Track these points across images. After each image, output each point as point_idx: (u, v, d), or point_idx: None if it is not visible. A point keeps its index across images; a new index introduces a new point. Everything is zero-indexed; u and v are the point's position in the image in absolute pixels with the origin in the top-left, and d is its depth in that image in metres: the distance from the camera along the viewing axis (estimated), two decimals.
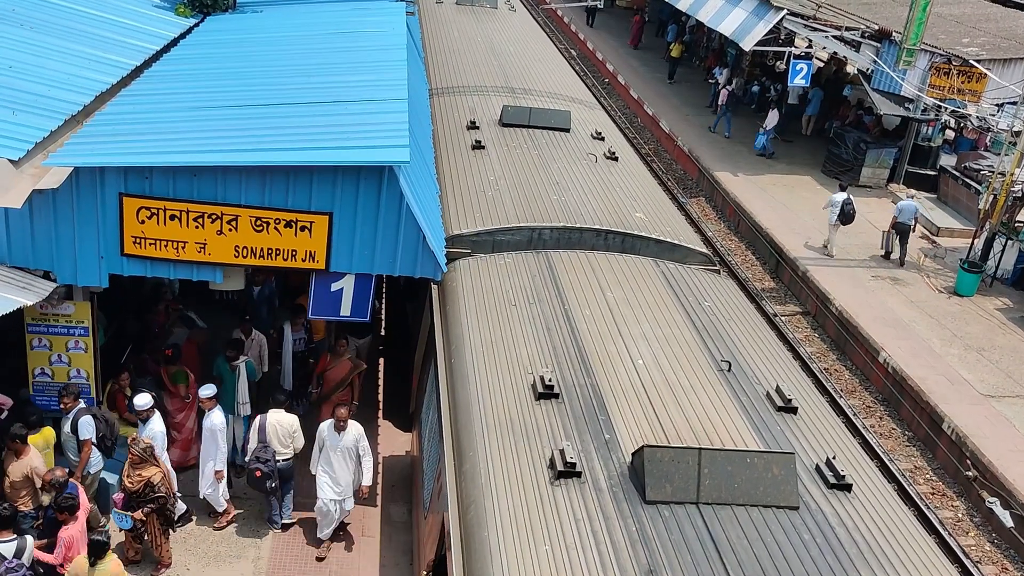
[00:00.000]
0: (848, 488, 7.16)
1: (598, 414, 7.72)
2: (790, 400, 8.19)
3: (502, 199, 11.65)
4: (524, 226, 10.97)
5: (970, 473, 14.30)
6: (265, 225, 9.40)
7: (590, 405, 7.85)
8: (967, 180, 23.36)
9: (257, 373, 11.75)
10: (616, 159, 13.84)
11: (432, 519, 8.63)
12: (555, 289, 9.78)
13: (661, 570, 6.07)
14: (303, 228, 9.47)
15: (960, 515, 14.01)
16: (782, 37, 25.92)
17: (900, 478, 14.27)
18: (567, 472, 6.87)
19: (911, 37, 21.94)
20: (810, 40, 25.56)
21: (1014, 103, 22.20)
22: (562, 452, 7.03)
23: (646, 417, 7.71)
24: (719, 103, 28.81)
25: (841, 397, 16.35)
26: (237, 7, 16.54)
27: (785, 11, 24.13)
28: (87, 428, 9.82)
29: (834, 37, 24.42)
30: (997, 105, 23.82)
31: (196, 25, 15.32)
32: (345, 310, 10.19)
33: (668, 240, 11.42)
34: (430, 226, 9.81)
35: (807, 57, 24.80)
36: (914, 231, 20.62)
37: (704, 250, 11.88)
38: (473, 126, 14.19)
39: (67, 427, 9.82)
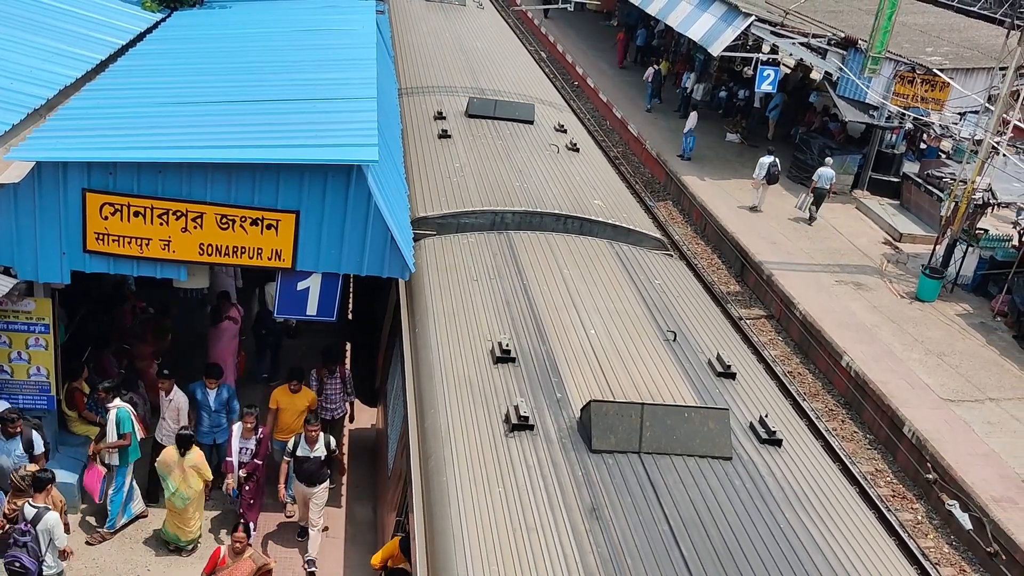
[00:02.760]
0: (778, 443, 7.76)
1: (551, 376, 8.26)
2: (729, 367, 8.78)
3: (467, 185, 12.05)
4: (487, 210, 11.44)
5: (930, 476, 14.52)
6: (231, 223, 9.31)
7: (544, 368, 8.37)
8: (929, 187, 23.73)
9: (136, 430, 10.31)
10: (577, 150, 14.27)
11: (395, 479, 9.05)
12: (515, 266, 10.26)
13: (603, 508, 6.62)
14: (269, 226, 9.39)
15: (920, 517, 14.22)
16: (750, 43, 26.17)
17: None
18: (520, 425, 7.42)
19: (876, 45, 22.25)
20: (777, 46, 25.80)
21: (976, 112, 22.58)
22: (516, 408, 7.57)
23: (595, 379, 8.26)
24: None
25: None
26: (204, 3, 16.37)
27: (753, 17, 24.35)
28: (39, 443, 9.70)
29: (801, 44, 24.68)
30: (959, 114, 24.23)
31: (163, 20, 15.14)
32: (311, 309, 10.12)
33: (624, 225, 11.93)
34: (398, 225, 9.77)
35: (774, 63, 25.04)
36: (829, 196, 23.15)
37: (658, 235, 12.49)
38: (440, 116, 14.47)
39: (19, 450, 9.57)
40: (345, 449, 11.92)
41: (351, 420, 12.10)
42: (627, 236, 11.78)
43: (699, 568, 6.18)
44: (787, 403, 8.99)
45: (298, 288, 9.94)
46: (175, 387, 10.65)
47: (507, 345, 8.51)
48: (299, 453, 10.28)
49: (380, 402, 12.24)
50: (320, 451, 10.27)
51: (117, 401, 10.15)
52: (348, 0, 17.17)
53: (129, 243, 9.26)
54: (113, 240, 9.21)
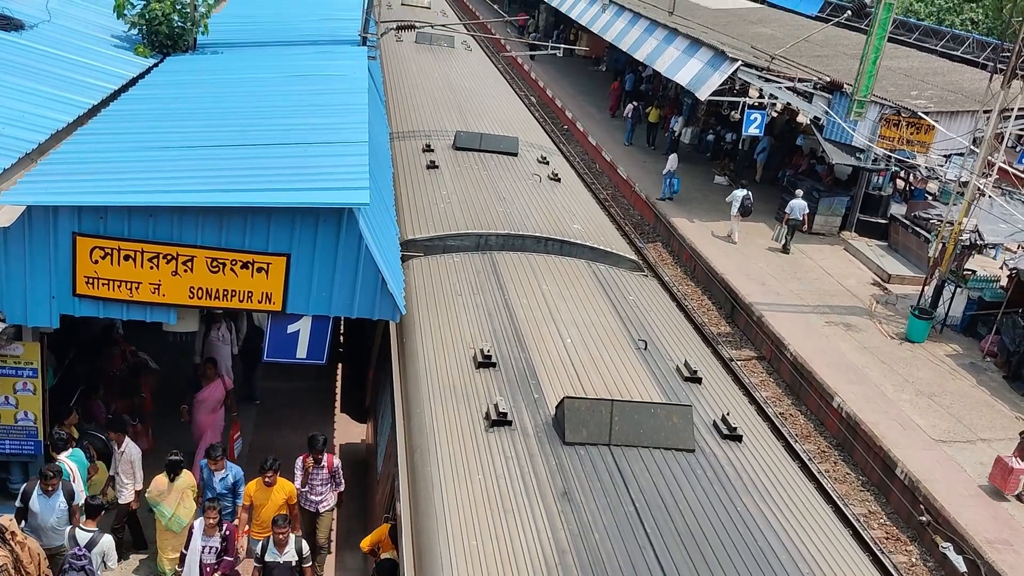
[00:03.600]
0: (739, 439, 8.37)
1: (529, 379, 8.81)
2: (695, 372, 9.40)
3: (453, 210, 12.65)
4: (472, 232, 12.05)
5: (923, 518, 14.44)
6: (221, 266, 9.31)
7: (522, 372, 8.94)
8: (917, 229, 23.91)
9: (85, 479, 10.13)
10: (559, 180, 14.96)
11: (384, 480, 9.47)
12: (497, 283, 10.82)
13: (574, 492, 7.17)
14: (260, 269, 9.39)
15: (914, 559, 14.12)
16: (737, 87, 26.47)
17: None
18: (499, 421, 7.99)
19: (862, 89, 22.54)
20: (763, 90, 26.11)
21: (961, 154, 22.84)
22: (496, 406, 8.14)
23: (570, 381, 8.81)
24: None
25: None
26: (197, 48, 16.51)
27: (740, 62, 24.66)
28: (79, 493, 9.73)
29: (787, 88, 24.99)
30: (945, 156, 24.50)
31: (155, 65, 15.26)
32: (301, 352, 10.09)
33: (601, 247, 12.54)
34: (389, 267, 9.78)
35: (761, 107, 25.34)
36: (802, 227, 24.17)
37: (633, 257, 13.12)
38: (428, 148, 15.11)
39: (62, 504, 9.42)
40: (333, 543, 11.17)
41: (339, 506, 11.05)
42: (604, 257, 12.37)
43: (661, 544, 6.74)
44: (750, 406, 9.67)
45: (288, 331, 9.91)
46: (127, 439, 10.43)
47: (488, 352, 9.08)
48: (267, 558, 9.29)
49: (370, 418, 12.47)
50: (291, 555, 9.30)
51: (68, 452, 10.01)
52: (341, 47, 17.37)
53: (119, 287, 9.23)
54: (103, 284, 9.19)
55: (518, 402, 8.38)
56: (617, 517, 6.94)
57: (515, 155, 15.43)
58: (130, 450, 10.41)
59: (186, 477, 10.13)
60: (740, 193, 24.11)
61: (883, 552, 13.88)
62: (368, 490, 11.60)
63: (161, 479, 10.06)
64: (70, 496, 9.44)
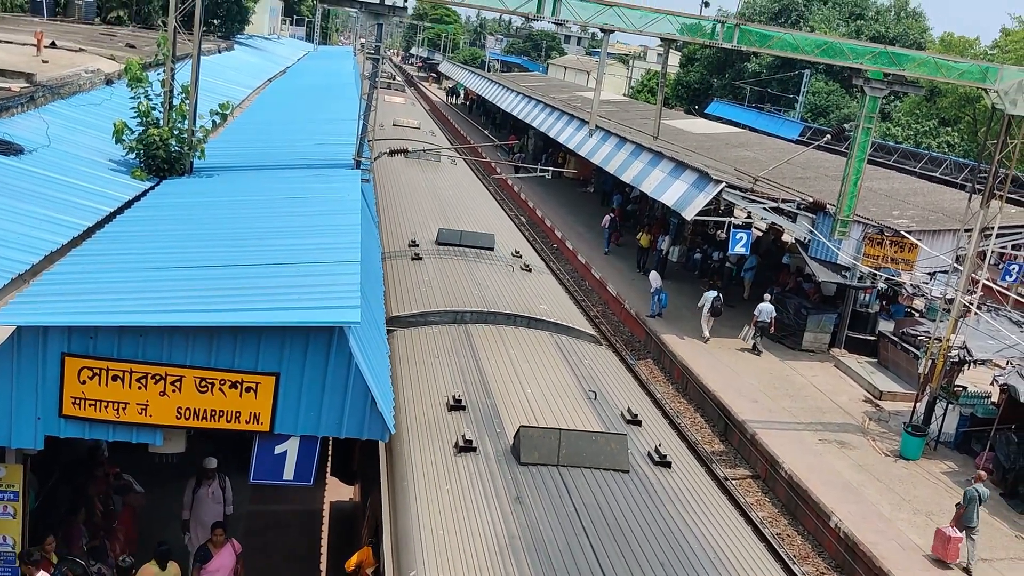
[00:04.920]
0: (668, 465, 9.89)
1: (492, 418, 10.30)
2: (636, 415, 10.96)
3: (434, 293, 14.27)
4: (449, 310, 13.59)
5: None
6: (210, 386, 9.24)
7: (488, 414, 10.39)
8: (906, 345, 24.03)
9: None
10: (530, 270, 16.83)
11: (368, 510, 10.71)
12: (470, 348, 12.30)
13: (525, 498, 8.68)
14: (248, 389, 9.32)
15: None
16: (722, 208, 27.02)
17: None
18: (465, 448, 9.48)
19: (844, 209, 23.02)
20: (748, 211, 26.67)
21: (945, 272, 23.18)
22: (463, 436, 9.63)
23: (527, 419, 10.26)
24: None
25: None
26: (194, 172, 16.87)
27: (724, 184, 25.24)
28: None
29: (771, 208, 25.52)
30: (929, 274, 24.86)
31: (152, 188, 15.54)
32: (288, 474, 9.90)
33: (563, 323, 14.11)
34: (379, 386, 9.73)
35: (746, 226, 25.81)
36: (771, 328, 25.40)
37: (592, 332, 14.74)
38: (414, 244, 16.85)
39: None
40: None
41: None
42: (566, 331, 13.87)
43: (596, 539, 8.15)
44: (681, 442, 11.37)
45: (275, 452, 9.76)
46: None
47: (459, 397, 10.55)
48: None
49: (357, 481, 13.43)
50: None
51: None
52: (335, 170, 17.76)
53: (106, 407, 9.14)
54: (90, 404, 9.10)
55: (482, 434, 9.84)
56: (560, 518, 8.42)
57: (491, 249, 17.23)
58: None
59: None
60: (711, 295, 25.61)
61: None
62: (354, 540, 12.38)
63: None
64: None
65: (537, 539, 8.00)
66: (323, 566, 12.83)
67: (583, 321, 15.27)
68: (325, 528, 13.66)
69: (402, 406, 10.40)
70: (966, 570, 15.62)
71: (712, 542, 8.48)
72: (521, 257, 17.44)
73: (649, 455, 9.94)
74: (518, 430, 9.52)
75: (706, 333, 25.90)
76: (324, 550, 13.12)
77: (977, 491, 15.96)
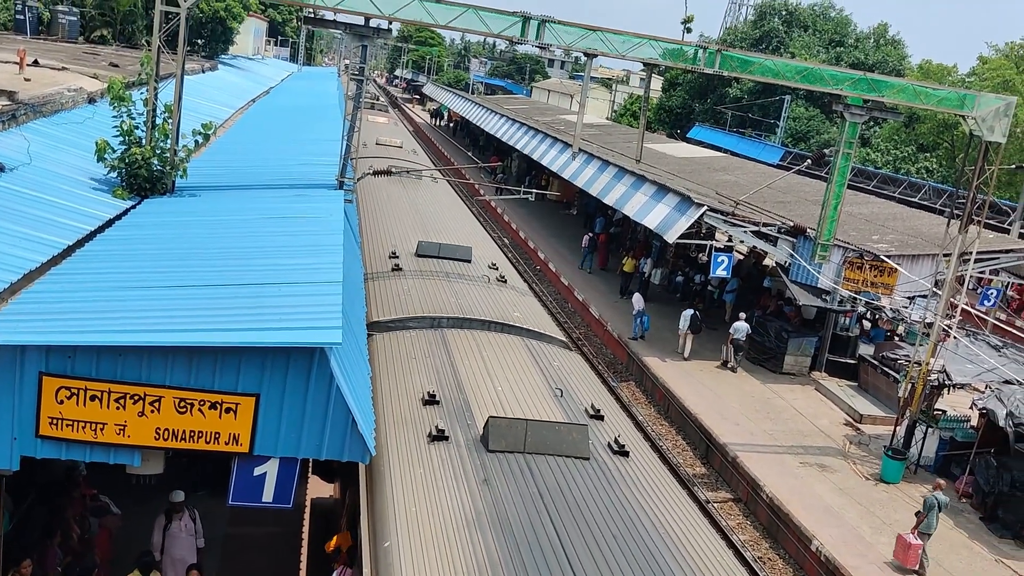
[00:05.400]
0: (626, 454, 10.76)
1: (465, 412, 11.05)
2: (599, 411, 11.87)
3: (412, 300, 15.09)
4: (427, 316, 14.35)
5: None
6: (189, 407, 9.17)
7: (460, 407, 11.18)
8: (886, 369, 24.15)
9: None
10: (505, 282, 17.59)
11: (348, 502, 11.33)
12: (445, 351, 13.07)
13: (492, 480, 9.47)
14: (228, 410, 9.25)
15: None
16: (703, 231, 27.15)
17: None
18: (438, 437, 10.26)
19: (824, 233, 23.23)
20: (729, 234, 26.82)
21: (924, 296, 23.36)
22: (436, 426, 10.42)
23: (497, 413, 10.93)
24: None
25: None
26: (176, 191, 16.79)
27: (705, 207, 25.39)
28: None
29: (752, 232, 25.67)
30: (909, 298, 25.04)
31: (133, 207, 15.46)
32: (267, 496, 9.81)
33: (535, 329, 14.98)
34: (360, 407, 9.68)
35: (728, 250, 25.93)
36: (744, 346, 26.03)
37: (562, 338, 15.72)
38: (394, 256, 17.62)
39: None
40: None
41: None
42: (538, 337, 14.71)
43: (557, 518, 8.93)
44: (639, 435, 12.36)
45: (255, 474, 9.67)
46: None
47: (433, 392, 11.37)
48: None
49: (337, 478, 13.89)
50: None
51: None
52: (318, 190, 17.74)
53: (83, 428, 9.04)
54: (67, 425, 9.00)
55: (454, 425, 10.64)
56: (524, 499, 9.18)
57: (469, 261, 18.01)
58: None
59: None
60: (688, 313, 26.43)
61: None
62: (334, 531, 12.89)
63: None
64: None
65: (503, 517, 8.78)
66: (303, 559, 13.09)
67: (554, 328, 16.29)
68: (306, 523, 13.87)
69: (380, 401, 11.18)
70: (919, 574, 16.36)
71: (664, 523, 9.29)
72: (497, 269, 18.27)
73: (609, 445, 10.80)
74: (487, 420, 10.35)
75: (686, 351, 26.35)
76: (305, 543, 13.43)
77: (936, 499, 16.63)
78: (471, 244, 19.40)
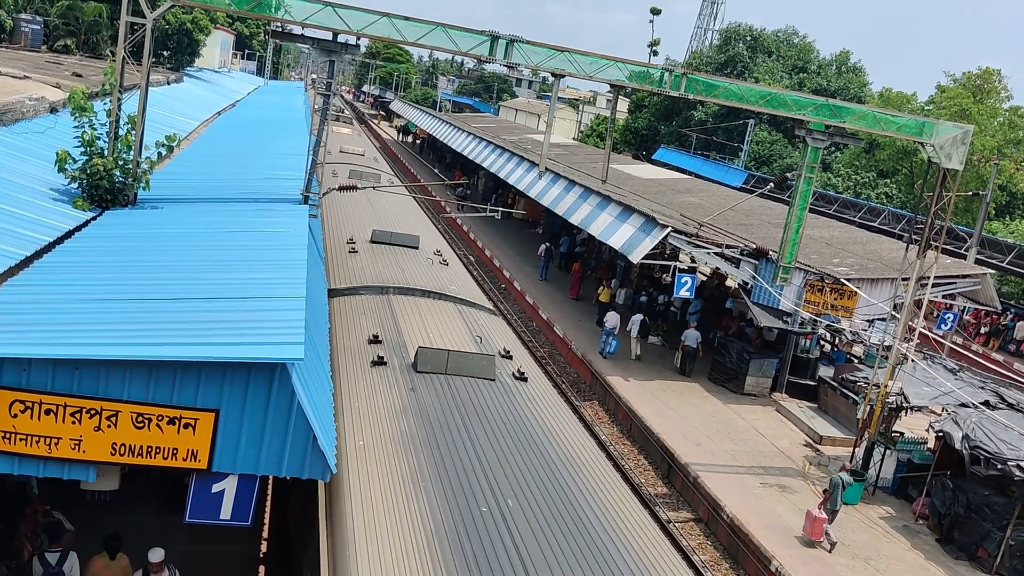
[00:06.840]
0: (525, 379, 13.41)
1: (401, 347, 13.61)
2: (508, 351, 14.50)
3: (365, 274, 17.64)
4: (376, 285, 16.92)
5: None
6: (147, 422, 9.02)
7: (398, 344, 13.73)
8: (845, 391, 24.42)
9: None
10: (447, 264, 20.38)
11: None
12: (389, 309, 15.58)
13: (419, 390, 12.09)
14: (186, 425, 9.11)
15: None
16: (668, 252, 27.35)
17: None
18: (378, 363, 12.89)
19: (786, 256, 23.48)
20: (693, 256, 27.04)
21: (883, 319, 23.69)
22: (378, 355, 13.07)
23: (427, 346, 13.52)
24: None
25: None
26: (138, 203, 16.59)
27: (670, 228, 25.60)
28: None
29: (715, 254, 25.91)
30: (868, 321, 25.37)
31: (94, 219, 15.24)
32: (225, 514, 9.66)
33: (467, 299, 17.54)
34: (321, 424, 9.58)
35: (691, 271, 26.14)
36: (698, 354, 27.56)
37: (489, 306, 18.34)
38: (351, 242, 20.03)
39: None
40: None
41: None
42: (470, 304, 17.19)
43: (467, 418, 11.45)
44: (538, 368, 15.50)
45: (213, 491, 9.52)
46: None
47: (376, 334, 13.96)
48: None
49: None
50: None
51: None
52: (282, 204, 17.62)
53: (37, 442, 8.85)
54: (20, 439, 8.80)
55: (391, 355, 13.19)
56: (443, 404, 11.75)
57: (416, 248, 20.57)
58: None
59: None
60: (637, 318, 28.45)
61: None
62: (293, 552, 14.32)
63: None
64: None
65: (425, 416, 11.34)
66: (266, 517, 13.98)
67: (484, 299, 19.11)
68: (264, 541, 14.08)
69: (335, 342, 13.76)
70: (831, 546, 17.89)
71: (553, 430, 11.79)
72: (441, 254, 21.12)
73: (512, 373, 13.50)
74: (417, 350, 13.05)
75: (636, 354, 28.30)
76: (268, 501, 14.41)
77: (841, 478, 18.36)
78: (420, 235, 22.09)
